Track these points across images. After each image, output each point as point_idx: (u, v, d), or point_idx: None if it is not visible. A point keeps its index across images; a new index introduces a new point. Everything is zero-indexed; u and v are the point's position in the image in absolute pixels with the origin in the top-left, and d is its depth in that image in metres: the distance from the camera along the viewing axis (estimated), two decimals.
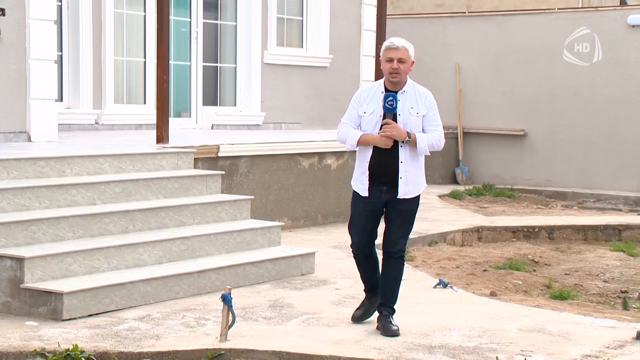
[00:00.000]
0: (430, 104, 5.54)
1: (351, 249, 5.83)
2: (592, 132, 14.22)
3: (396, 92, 5.50)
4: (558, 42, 14.44)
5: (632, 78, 13.90)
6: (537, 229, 10.63)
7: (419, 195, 5.63)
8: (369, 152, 5.53)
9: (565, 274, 8.66)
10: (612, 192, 13.68)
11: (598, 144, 14.18)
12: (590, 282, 8.36)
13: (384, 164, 5.49)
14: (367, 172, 5.53)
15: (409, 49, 5.48)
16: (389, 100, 5.41)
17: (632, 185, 13.82)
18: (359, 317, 5.88)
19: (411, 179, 5.51)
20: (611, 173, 14.03)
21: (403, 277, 5.84)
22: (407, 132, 5.42)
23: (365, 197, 5.59)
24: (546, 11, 14.92)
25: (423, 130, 5.51)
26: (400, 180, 5.49)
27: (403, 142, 5.44)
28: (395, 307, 5.74)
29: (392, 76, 5.46)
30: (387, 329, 5.58)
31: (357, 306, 5.98)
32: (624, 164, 13.98)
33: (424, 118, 5.50)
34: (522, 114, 14.78)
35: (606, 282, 8.40)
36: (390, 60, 5.45)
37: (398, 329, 5.58)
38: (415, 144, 5.44)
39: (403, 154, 5.47)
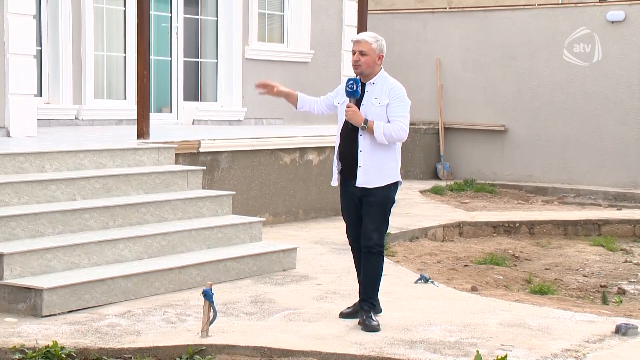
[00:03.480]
0: (395, 96, 5.63)
1: (348, 242, 5.97)
2: (572, 128, 14.30)
3: (364, 83, 5.70)
4: (538, 37, 14.51)
5: (612, 74, 13.98)
6: (517, 224, 10.68)
7: (389, 189, 5.68)
8: (338, 143, 5.77)
9: (546, 269, 8.71)
10: (592, 187, 13.77)
11: (578, 139, 14.26)
12: (570, 276, 8.41)
13: (348, 153, 5.69)
14: (337, 162, 5.78)
15: (371, 43, 5.64)
16: (350, 84, 5.62)
17: (612, 180, 13.92)
18: (347, 314, 5.90)
19: (371, 169, 5.61)
20: (591, 168, 14.12)
21: (384, 273, 5.87)
22: (366, 119, 5.57)
23: (342, 189, 5.82)
24: (526, 7, 14.97)
25: (388, 121, 5.62)
26: (359, 169, 5.63)
27: (360, 127, 5.59)
28: (376, 302, 5.76)
29: (354, 68, 5.69)
30: (367, 325, 5.60)
31: (348, 305, 6.02)
32: (603, 159, 14.07)
33: (387, 108, 5.62)
34: (503, 110, 14.84)
35: (586, 276, 8.45)
36: (354, 52, 5.67)
37: (378, 324, 5.60)
38: (372, 131, 5.56)
39: (362, 143, 5.63)
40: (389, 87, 5.67)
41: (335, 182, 5.82)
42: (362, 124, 5.54)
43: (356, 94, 5.60)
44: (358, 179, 5.63)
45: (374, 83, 5.66)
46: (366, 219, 5.68)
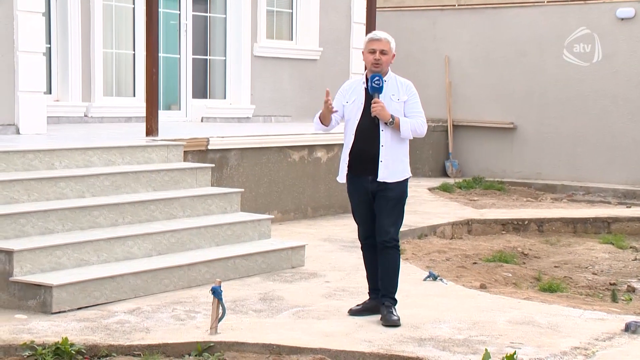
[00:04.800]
0: (412, 92, 5.76)
1: (359, 240, 5.96)
2: (582, 125, 14.26)
3: None
4: (548, 34, 14.47)
5: (622, 71, 13.94)
6: (526, 222, 10.66)
7: (405, 184, 5.76)
8: (351, 140, 5.72)
9: (555, 267, 8.69)
10: (601, 185, 13.73)
11: (587, 137, 14.22)
12: (579, 274, 8.39)
13: (366, 149, 5.67)
14: (348, 159, 5.73)
15: (390, 42, 5.74)
16: (376, 80, 5.63)
17: (621, 177, 13.88)
18: (356, 311, 5.91)
19: (392, 164, 5.67)
20: (600, 166, 14.08)
21: None
22: (391, 115, 5.61)
23: (352, 187, 5.79)
24: (536, 4, 14.93)
25: (405, 116, 5.71)
26: (380, 164, 5.65)
27: (386, 124, 5.62)
28: (396, 297, 5.79)
29: (374, 66, 5.68)
30: (387, 319, 5.64)
31: (357, 302, 6.03)
32: (613, 156, 14.03)
33: (405, 105, 5.72)
34: (512, 107, 14.81)
35: (595, 274, 8.43)
36: (373, 51, 5.69)
37: (399, 319, 5.65)
38: (398, 127, 5.63)
39: (384, 138, 5.66)
40: (403, 84, 5.75)
41: (342, 178, 5.81)
42: (390, 120, 5.60)
43: (381, 90, 5.63)
44: (380, 174, 5.65)
45: (386, 81, 5.71)
46: (382, 214, 5.70)
